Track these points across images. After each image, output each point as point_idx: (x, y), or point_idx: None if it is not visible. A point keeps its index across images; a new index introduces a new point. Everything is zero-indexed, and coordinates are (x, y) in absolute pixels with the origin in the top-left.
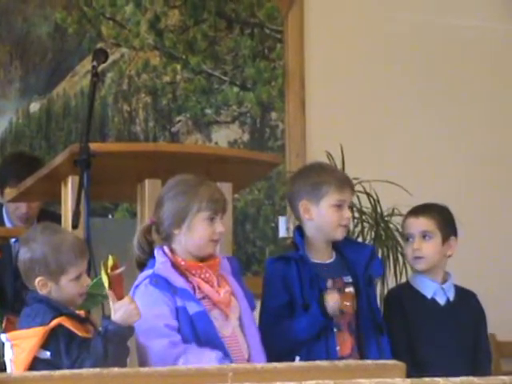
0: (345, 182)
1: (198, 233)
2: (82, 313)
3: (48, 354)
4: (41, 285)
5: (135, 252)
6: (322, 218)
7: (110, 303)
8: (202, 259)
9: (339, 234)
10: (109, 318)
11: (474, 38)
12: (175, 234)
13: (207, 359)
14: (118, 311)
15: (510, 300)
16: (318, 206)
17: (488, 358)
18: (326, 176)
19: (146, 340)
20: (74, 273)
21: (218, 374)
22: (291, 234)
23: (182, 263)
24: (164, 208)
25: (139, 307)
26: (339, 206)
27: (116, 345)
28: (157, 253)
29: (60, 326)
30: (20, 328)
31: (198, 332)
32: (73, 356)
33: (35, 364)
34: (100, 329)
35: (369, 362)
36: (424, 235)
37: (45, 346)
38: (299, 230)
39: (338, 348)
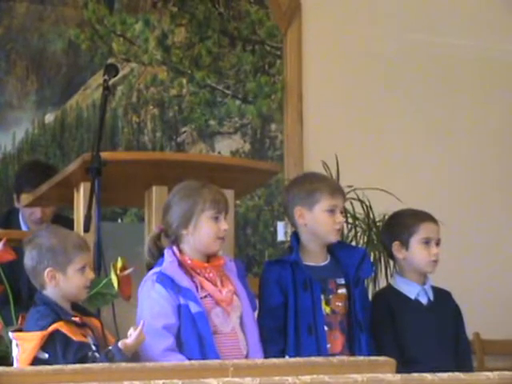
0: (336, 189)
1: (205, 231)
2: (77, 319)
3: (46, 355)
4: (50, 276)
5: (146, 258)
6: (316, 223)
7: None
8: (208, 260)
9: (333, 237)
10: (118, 344)
11: (473, 57)
12: (183, 235)
13: None
14: (131, 338)
15: (493, 300)
16: (312, 211)
17: (468, 352)
18: (318, 184)
19: (146, 335)
20: (80, 263)
21: (219, 369)
22: (289, 238)
23: (189, 262)
24: (171, 212)
25: (143, 299)
26: (332, 211)
27: None
28: (166, 252)
29: (57, 331)
30: (26, 327)
31: (198, 329)
32: (69, 359)
33: (35, 363)
34: (110, 348)
35: (361, 358)
36: (438, 242)
37: (44, 348)
38: (296, 235)
39: (328, 346)
